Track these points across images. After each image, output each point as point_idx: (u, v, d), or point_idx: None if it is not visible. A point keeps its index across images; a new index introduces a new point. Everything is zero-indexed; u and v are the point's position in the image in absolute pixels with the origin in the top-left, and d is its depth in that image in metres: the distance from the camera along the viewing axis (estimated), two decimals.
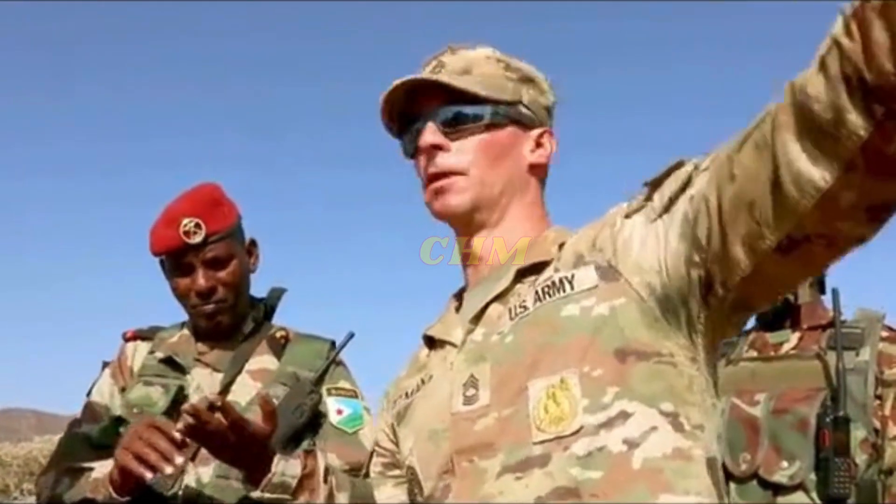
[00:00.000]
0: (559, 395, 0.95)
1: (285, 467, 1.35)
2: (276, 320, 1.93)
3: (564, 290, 1.01)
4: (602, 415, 0.93)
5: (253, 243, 1.88)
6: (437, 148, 1.10)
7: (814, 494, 1.72)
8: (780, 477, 1.75)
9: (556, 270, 1.04)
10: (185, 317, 1.89)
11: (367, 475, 1.31)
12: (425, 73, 1.14)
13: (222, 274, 1.77)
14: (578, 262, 1.02)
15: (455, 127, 1.11)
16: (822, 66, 0.73)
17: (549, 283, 1.03)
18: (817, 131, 0.74)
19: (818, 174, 0.75)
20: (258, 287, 1.92)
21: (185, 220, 1.72)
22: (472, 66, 1.14)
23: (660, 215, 0.96)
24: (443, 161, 1.11)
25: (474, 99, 1.10)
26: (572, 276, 1.01)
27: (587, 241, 1.04)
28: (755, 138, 0.82)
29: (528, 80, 1.16)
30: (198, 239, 1.72)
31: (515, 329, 1.03)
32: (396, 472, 1.23)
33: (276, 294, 1.93)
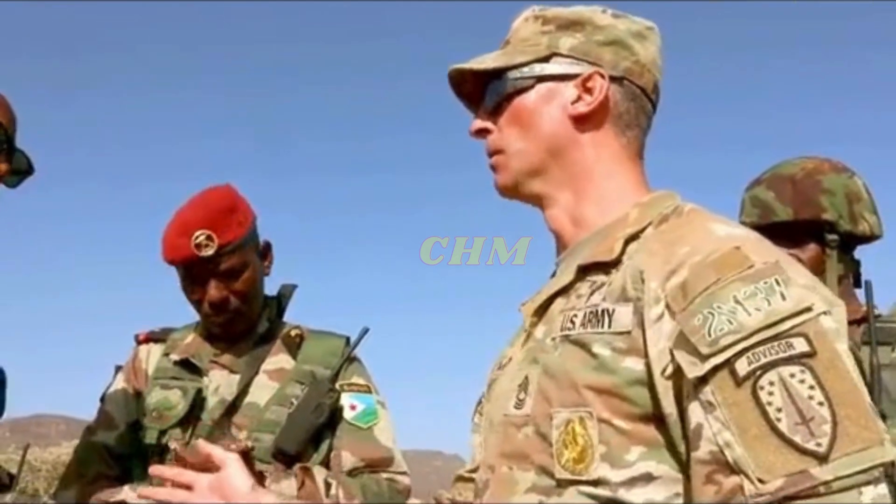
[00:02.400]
0: (577, 432, 0.89)
1: (279, 490, 1.30)
2: (286, 316, 1.91)
3: (602, 326, 0.91)
4: (624, 472, 0.87)
5: (268, 246, 1.84)
6: (485, 132, 1.10)
7: None
8: None
9: (604, 299, 0.93)
10: (197, 317, 1.86)
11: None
12: (467, 63, 1.11)
13: (235, 284, 1.74)
14: (622, 296, 0.92)
15: (491, 106, 1.09)
16: None
17: (594, 310, 0.94)
18: None
19: None
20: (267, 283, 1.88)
21: (197, 233, 1.67)
22: (513, 34, 1.11)
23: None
24: (488, 142, 1.10)
25: (496, 73, 1.07)
26: (613, 311, 0.91)
27: (650, 268, 0.91)
28: None
29: (570, 25, 1.06)
30: (209, 252, 1.68)
31: (562, 344, 0.95)
32: None
33: (288, 291, 1.90)
